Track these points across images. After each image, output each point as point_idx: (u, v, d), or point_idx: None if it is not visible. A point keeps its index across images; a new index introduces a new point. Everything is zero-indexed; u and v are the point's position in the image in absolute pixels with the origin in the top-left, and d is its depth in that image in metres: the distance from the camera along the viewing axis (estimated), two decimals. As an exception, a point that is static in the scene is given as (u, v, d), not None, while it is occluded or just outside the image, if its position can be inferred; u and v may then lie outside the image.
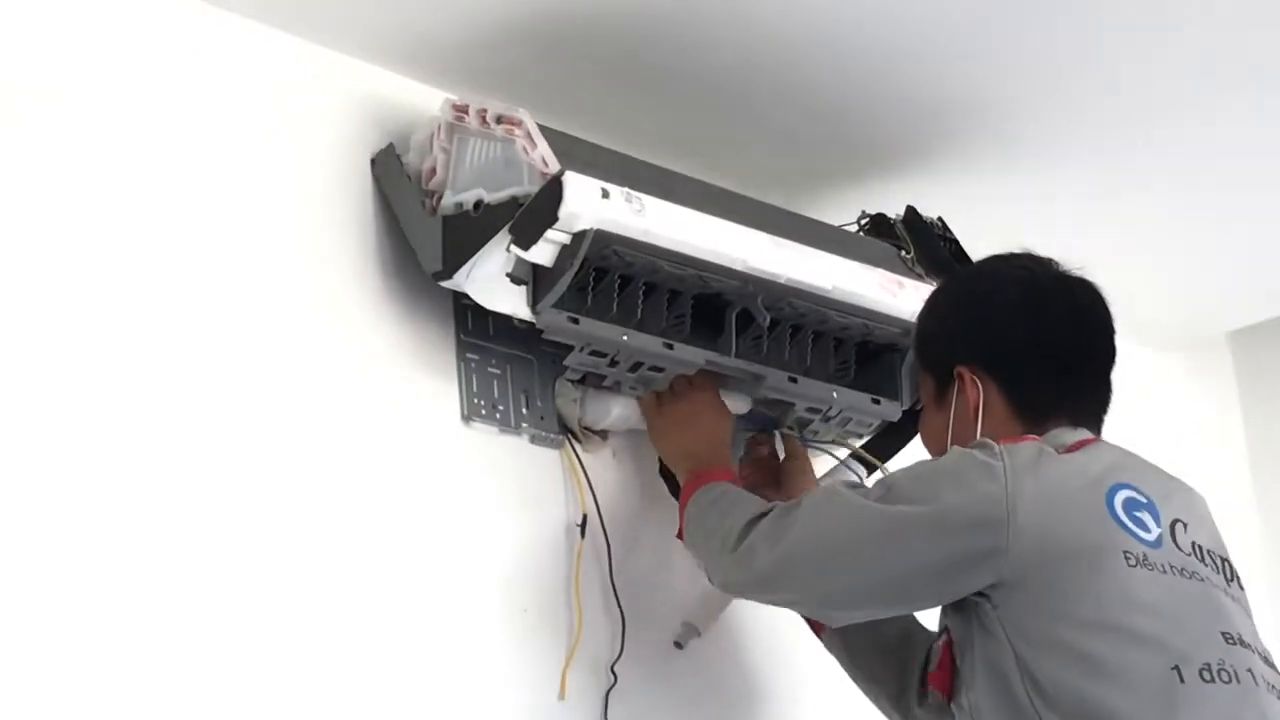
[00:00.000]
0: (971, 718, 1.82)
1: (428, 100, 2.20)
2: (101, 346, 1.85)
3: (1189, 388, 3.55)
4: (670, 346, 2.06)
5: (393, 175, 2.11)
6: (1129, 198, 2.72)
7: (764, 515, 1.93)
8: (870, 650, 2.16)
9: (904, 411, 2.26)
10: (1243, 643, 1.78)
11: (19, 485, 1.73)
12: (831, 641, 2.17)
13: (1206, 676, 1.74)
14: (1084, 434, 1.87)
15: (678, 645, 2.20)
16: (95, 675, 1.73)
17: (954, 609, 1.85)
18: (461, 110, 2.05)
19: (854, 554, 1.85)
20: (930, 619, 2.03)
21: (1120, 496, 1.84)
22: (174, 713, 1.77)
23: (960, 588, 1.79)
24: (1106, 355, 1.96)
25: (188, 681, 1.79)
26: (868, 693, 2.17)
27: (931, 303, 2.08)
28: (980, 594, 1.79)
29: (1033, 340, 1.94)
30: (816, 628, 2.17)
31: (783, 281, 2.08)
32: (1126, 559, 1.76)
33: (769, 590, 1.99)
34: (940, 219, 2.40)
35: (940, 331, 2.01)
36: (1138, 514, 1.85)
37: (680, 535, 2.09)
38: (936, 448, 1.94)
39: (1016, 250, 2.00)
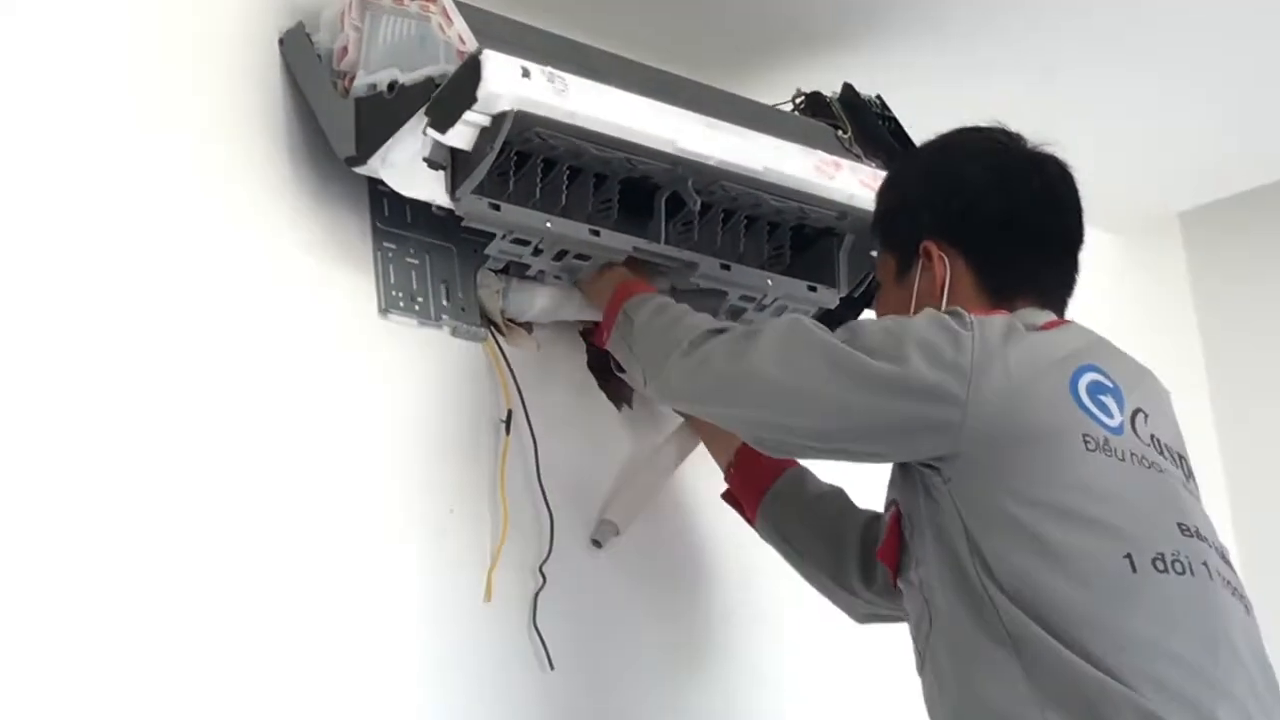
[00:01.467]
0: (921, 594, 1.85)
1: None
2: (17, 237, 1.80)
3: (1139, 270, 3.63)
4: (596, 233, 2.06)
5: (302, 55, 2.09)
6: (1072, 73, 2.75)
7: (723, 330, 1.94)
8: (806, 532, 2.21)
9: (841, 299, 2.27)
10: (1199, 535, 1.81)
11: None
12: (765, 527, 2.21)
13: (1160, 566, 1.76)
14: (1051, 315, 1.87)
15: (596, 544, 2.22)
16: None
17: (903, 481, 1.88)
18: None
19: (814, 389, 1.85)
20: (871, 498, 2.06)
21: (1085, 379, 1.86)
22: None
23: (909, 452, 1.83)
24: (1076, 235, 1.98)
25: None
26: (807, 576, 2.22)
27: (896, 175, 2.09)
28: (931, 466, 1.81)
29: (1005, 216, 1.95)
30: (750, 516, 2.20)
31: (714, 164, 2.09)
32: (1086, 443, 1.78)
33: (714, 402, 2.01)
34: (879, 97, 2.41)
35: (905, 204, 2.01)
36: (1102, 398, 1.87)
37: (602, 341, 2.10)
38: None
39: (984, 124, 1.99)
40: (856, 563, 2.12)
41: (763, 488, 2.21)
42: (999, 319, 1.80)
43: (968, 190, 1.95)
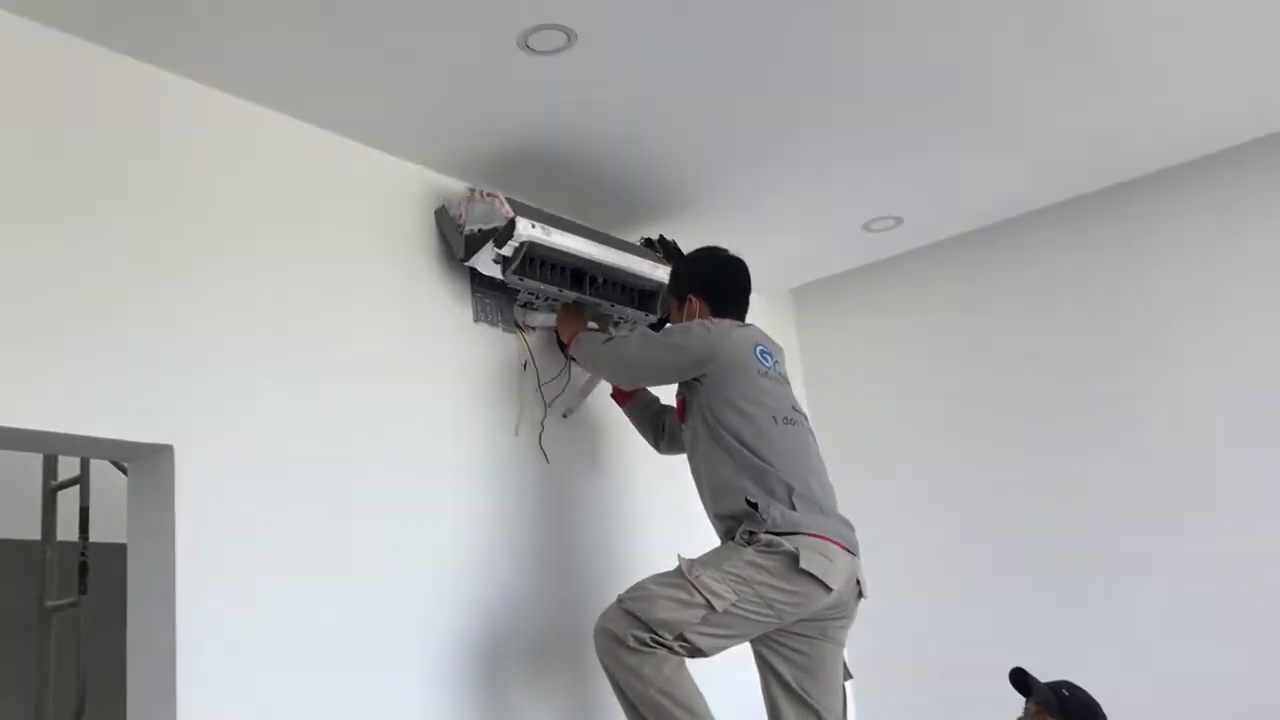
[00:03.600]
0: (693, 433, 3.43)
1: (458, 186, 3.91)
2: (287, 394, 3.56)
3: (777, 316, 5.34)
4: (561, 290, 3.89)
5: (444, 217, 3.80)
6: (751, 216, 4.51)
7: (609, 340, 3.62)
8: (646, 419, 4.05)
9: (658, 320, 4.13)
10: (796, 409, 3.50)
11: None
12: (629, 411, 4.05)
13: (786, 421, 3.39)
14: (742, 322, 3.60)
15: (564, 415, 4.08)
16: None
17: (684, 388, 3.51)
18: (472, 190, 3.76)
19: (652, 355, 3.51)
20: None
21: (758, 348, 3.47)
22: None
23: (689, 374, 3.44)
24: (747, 290, 3.71)
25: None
26: (643, 435, 4.04)
27: (676, 268, 3.85)
28: (697, 380, 3.40)
29: (718, 285, 3.64)
30: (621, 402, 4.02)
31: (609, 264, 3.92)
32: (759, 374, 3.40)
33: (612, 366, 3.65)
34: (673, 240, 4.27)
35: (679, 281, 3.73)
36: (765, 357, 3.48)
37: (567, 352, 3.80)
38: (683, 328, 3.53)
39: (710, 245, 3.81)
40: (664, 432, 3.97)
41: (628, 397, 4.05)
42: (726, 321, 3.53)
43: (701, 275, 3.71)
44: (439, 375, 3.70)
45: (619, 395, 4.03)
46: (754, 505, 3.22)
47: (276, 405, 3.23)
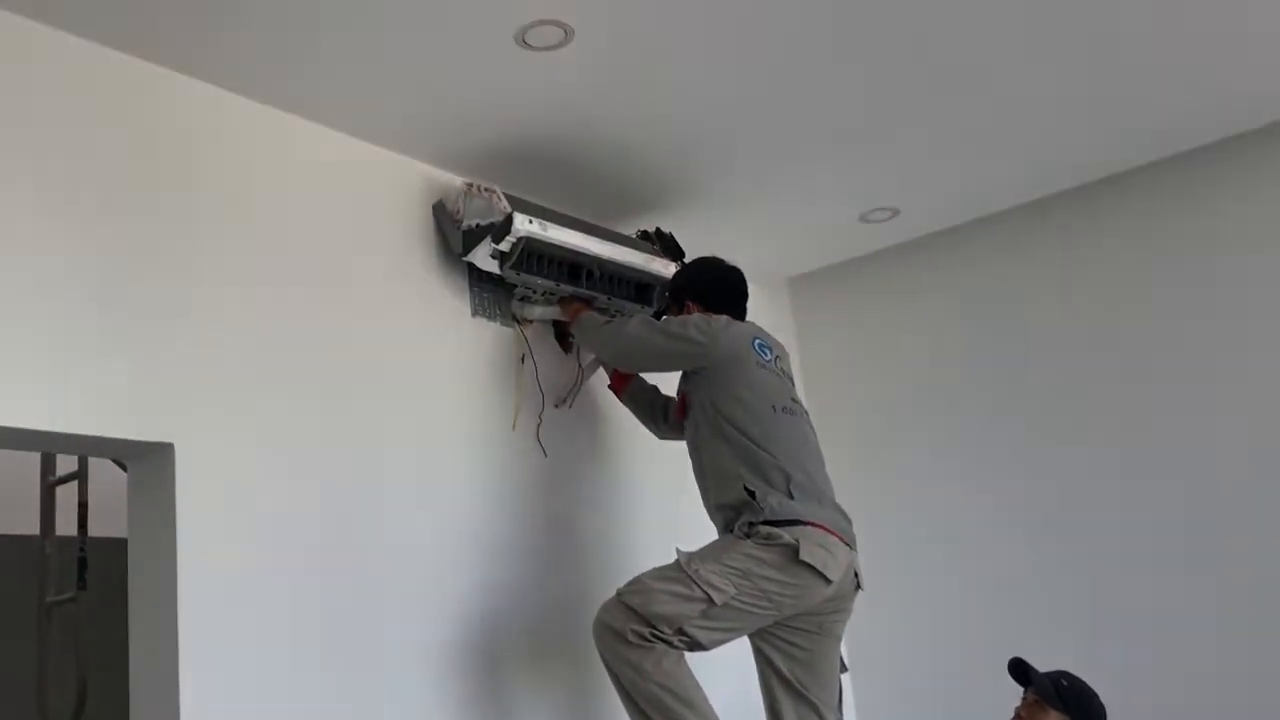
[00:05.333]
0: (694, 426, 3.47)
1: (455, 180, 3.87)
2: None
3: (774, 305, 5.33)
4: (559, 285, 3.88)
5: (441, 212, 3.77)
6: (743, 218, 4.59)
7: (610, 321, 3.65)
8: (643, 405, 4.01)
9: (654, 313, 4.10)
10: (795, 400, 3.54)
11: None
12: (625, 400, 4.03)
13: (784, 411, 3.43)
14: (739, 320, 3.66)
15: (557, 406, 4.04)
16: None
17: (684, 380, 3.57)
18: (469, 184, 3.70)
19: (652, 339, 3.54)
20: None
21: (756, 342, 3.52)
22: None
23: (686, 365, 3.51)
24: (745, 298, 3.79)
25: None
26: (642, 422, 4.00)
27: (676, 275, 3.92)
28: (696, 371, 3.47)
29: (717, 290, 3.73)
30: (618, 390, 4.00)
31: (605, 258, 3.92)
32: (757, 365, 3.45)
33: (614, 348, 3.67)
34: (670, 232, 4.26)
35: (682, 287, 3.83)
36: (764, 350, 3.53)
37: (566, 330, 3.85)
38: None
39: (708, 255, 3.88)
40: (663, 416, 3.95)
41: (624, 384, 4.02)
42: (723, 317, 3.59)
43: (698, 282, 3.77)
44: (437, 370, 3.70)
45: (616, 382, 4.02)
46: (751, 493, 3.23)
47: (276, 402, 3.23)
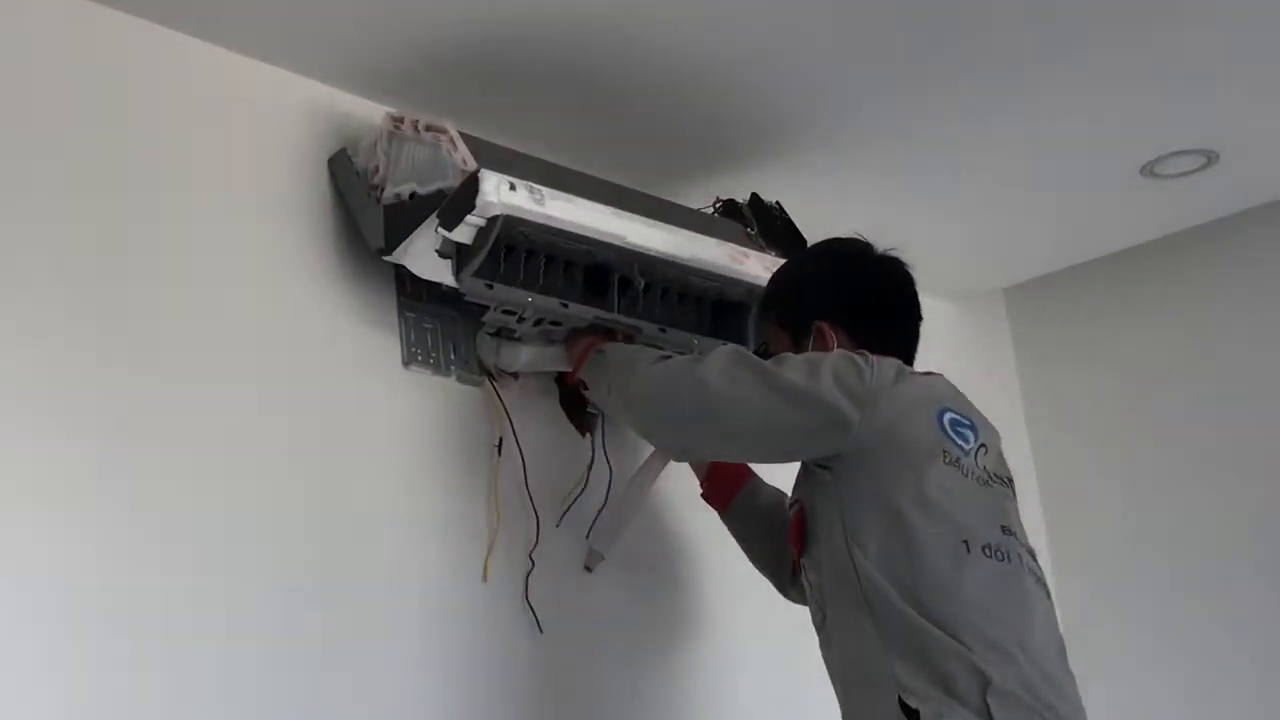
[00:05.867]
0: (818, 568, 2.30)
1: (374, 113, 2.64)
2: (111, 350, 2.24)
3: (972, 334, 4.15)
4: (566, 305, 2.53)
5: (345, 173, 2.54)
6: (918, 182, 3.29)
7: (662, 360, 2.41)
8: (756, 532, 2.73)
9: (757, 350, 2.68)
10: (1016, 537, 2.29)
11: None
12: (730, 522, 2.74)
13: (986, 552, 2.22)
14: (914, 369, 2.37)
15: (587, 569, 2.68)
16: None
17: (805, 481, 2.35)
18: (398, 120, 2.51)
19: (747, 396, 2.31)
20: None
21: (947, 416, 2.32)
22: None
23: (809, 450, 2.29)
24: (918, 314, 2.49)
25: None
26: (756, 566, 2.74)
27: (785, 275, 2.59)
28: (823, 466, 2.26)
29: (871, 303, 2.46)
30: (720, 506, 2.72)
31: (653, 253, 2.57)
32: (944, 457, 2.23)
33: (668, 411, 2.44)
34: (778, 203, 2.90)
35: (802, 297, 2.52)
36: (961, 429, 2.34)
37: (573, 376, 2.61)
38: None
39: (843, 235, 2.53)
40: (789, 567, 2.59)
41: (725, 487, 2.74)
42: (891, 361, 2.30)
43: (846, 292, 2.47)
44: (341, 469, 2.55)
45: (712, 486, 2.88)
46: (914, 714, 2.21)
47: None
